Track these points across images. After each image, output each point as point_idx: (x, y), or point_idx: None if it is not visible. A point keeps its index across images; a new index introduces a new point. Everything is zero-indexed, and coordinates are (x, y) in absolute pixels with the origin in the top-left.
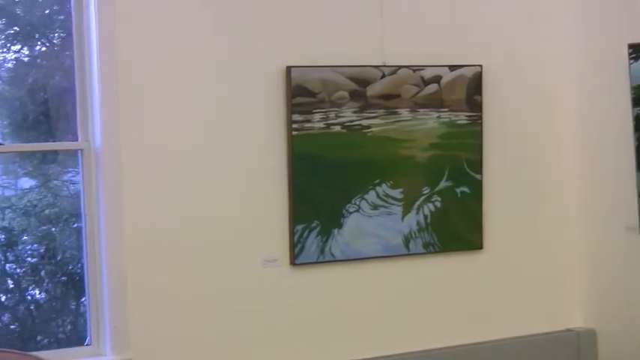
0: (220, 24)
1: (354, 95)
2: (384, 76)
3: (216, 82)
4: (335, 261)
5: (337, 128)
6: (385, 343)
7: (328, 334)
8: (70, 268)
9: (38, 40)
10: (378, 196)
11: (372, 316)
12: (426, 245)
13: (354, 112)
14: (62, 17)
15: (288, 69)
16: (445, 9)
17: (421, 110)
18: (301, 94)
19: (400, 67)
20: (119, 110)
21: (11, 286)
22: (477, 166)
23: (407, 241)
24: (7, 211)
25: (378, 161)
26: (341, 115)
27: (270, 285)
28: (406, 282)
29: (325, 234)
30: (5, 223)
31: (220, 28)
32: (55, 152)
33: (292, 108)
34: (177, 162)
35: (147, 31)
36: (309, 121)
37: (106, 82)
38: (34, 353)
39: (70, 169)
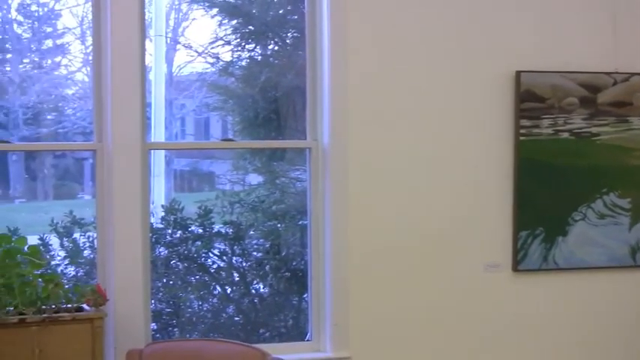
0: (450, 28)
1: (584, 102)
2: (615, 83)
3: (444, 84)
4: (558, 269)
5: (565, 135)
6: (604, 358)
7: (549, 342)
8: (293, 264)
9: (271, 39)
10: (605, 205)
11: (594, 328)
12: None
13: (584, 119)
14: (295, 17)
15: (518, 74)
16: None
17: None
18: (530, 99)
19: (633, 74)
20: (348, 111)
21: (237, 278)
22: None
23: (633, 252)
24: (236, 205)
25: (607, 170)
26: (570, 121)
27: (491, 290)
28: (631, 294)
29: (549, 241)
30: (234, 218)
31: (450, 31)
32: (284, 150)
33: (520, 113)
34: (403, 164)
35: (377, 34)
36: (537, 126)
37: (336, 83)
38: (257, 345)
39: (297, 167)
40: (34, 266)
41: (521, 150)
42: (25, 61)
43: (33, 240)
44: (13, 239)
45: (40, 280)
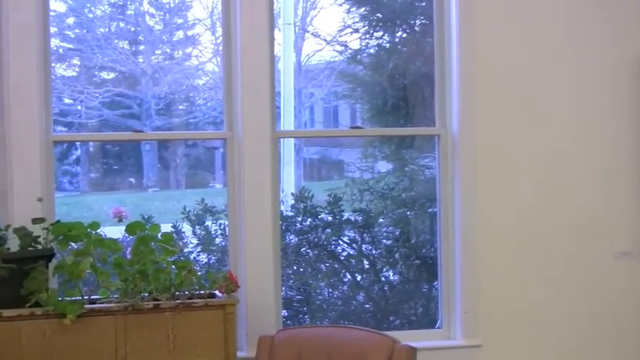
0: (578, 14)
1: None
2: None
3: (573, 71)
4: None
5: None
6: None
7: None
8: (423, 251)
9: (399, 26)
10: None
11: None
12: None
13: None
14: (423, 4)
15: None
16: None
17: None
18: None
19: None
20: (476, 98)
21: (367, 266)
22: None
23: None
24: (366, 193)
25: None
26: None
27: (623, 279)
28: None
29: None
30: (363, 205)
31: (578, 17)
32: (412, 137)
33: None
34: (531, 151)
35: (506, 20)
36: None
37: (465, 70)
38: (387, 332)
39: (426, 154)
40: (168, 253)
41: None
42: (157, 52)
43: (166, 228)
44: (147, 227)
45: (173, 266)
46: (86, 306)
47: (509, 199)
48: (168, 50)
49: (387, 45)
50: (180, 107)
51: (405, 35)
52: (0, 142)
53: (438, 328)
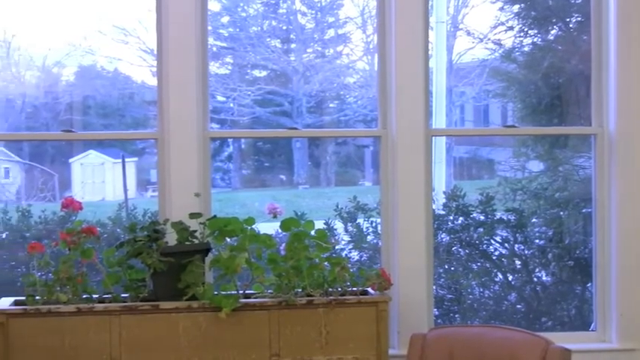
0: None
1: None
2: None
3: None
4: None
5: None
6: None
7: None
8: (577, 252)
9: (554, 24)
10: None
11: None
12: None
13: None
14: (579, 1)
15: None
16: None
17: None
18: None
19: None
20: (635, 96)
21: (519, 266)
22: None
23: None
24: (518, 192)
25: None
26: None
27: None
28: None
29: None
30: (516, 205)
31: None
32: (566, 137)
33: None
34: None
35: None
36: None
37: (623, 68)
38: (541, 334)
39: (581, 154)
40: (322, 250)
41: None
42: (308, 50)
43: (317, 224)
44: (301, 223)
45: (326, 263)
46: (241, 300)
47: None
48: (319, 48)
49: (542, 43)
50: (330, 105)
51: (560, 33)
52: (159, 139)
53: (592, 330)
